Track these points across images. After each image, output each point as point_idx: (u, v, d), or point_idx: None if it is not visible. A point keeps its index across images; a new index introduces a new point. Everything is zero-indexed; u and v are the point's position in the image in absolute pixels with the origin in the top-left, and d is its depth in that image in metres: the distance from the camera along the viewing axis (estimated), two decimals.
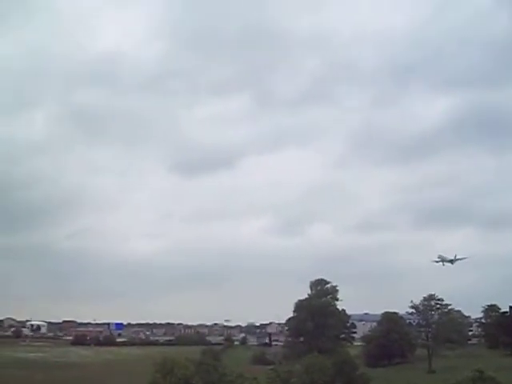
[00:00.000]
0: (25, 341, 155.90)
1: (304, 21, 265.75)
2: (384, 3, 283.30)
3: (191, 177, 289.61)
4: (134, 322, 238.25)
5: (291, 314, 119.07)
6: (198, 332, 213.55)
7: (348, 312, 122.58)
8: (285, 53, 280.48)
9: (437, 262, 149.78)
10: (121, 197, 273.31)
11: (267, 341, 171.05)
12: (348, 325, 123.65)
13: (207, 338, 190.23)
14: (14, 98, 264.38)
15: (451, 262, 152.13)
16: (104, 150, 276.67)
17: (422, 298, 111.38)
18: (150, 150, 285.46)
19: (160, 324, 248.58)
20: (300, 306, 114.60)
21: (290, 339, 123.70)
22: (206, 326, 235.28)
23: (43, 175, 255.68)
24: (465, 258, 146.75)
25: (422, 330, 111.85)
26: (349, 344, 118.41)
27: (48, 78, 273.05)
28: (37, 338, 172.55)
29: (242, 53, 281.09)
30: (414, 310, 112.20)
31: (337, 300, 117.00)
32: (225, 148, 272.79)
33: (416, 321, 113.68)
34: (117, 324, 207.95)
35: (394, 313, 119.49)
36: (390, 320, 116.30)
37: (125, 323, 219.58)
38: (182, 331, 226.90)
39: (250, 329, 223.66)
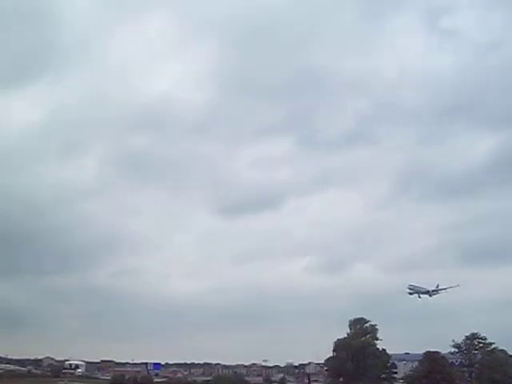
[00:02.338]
0: (63, 380, 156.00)
1: (348, 62, 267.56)
2: (427, 45, 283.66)
3: (234, 218, 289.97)
4: (171, 362, 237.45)
5: (330, 354, 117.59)
6: (235, 372, 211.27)
7: (388, 351, 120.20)
8: (329, 94, 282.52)
9: (410, 293, 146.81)
10: (164, 238, 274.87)
11: (306, 381, 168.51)
12: (388, 365, 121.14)
13: (245, 378, 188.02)
14: (65, 144, 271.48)
15: (428, 293, 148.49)
16: (149, 193, 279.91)
17: (464, 337, 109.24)
18: (194, 193, 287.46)
19: (198, 364, 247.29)
20: (339, 346, 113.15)
21: (329, 379, 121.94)
22: (244, 366, 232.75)
23: (91, 218, 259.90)
24: (445, 289, 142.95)
25: (465, 369, 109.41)
26: None
27: (99, 123, 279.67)
28: (75, 377, 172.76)
29: (287, 96, 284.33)
30: (456, 350, 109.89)
31: (377, 339, 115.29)
32: (268, 189, 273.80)
33: (459, 360, 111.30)
34: (155, 364, 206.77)
35: (436, 352, 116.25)
36: (431, 360, 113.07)
37: (162, 363, 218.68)
38: (220, 371, 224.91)
39: (289, 369, 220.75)
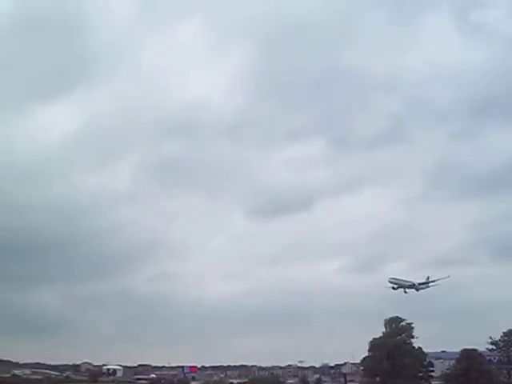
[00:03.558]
0: None
1: (379, 61, 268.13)
2: (459, 42, 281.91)
3: (268, 220, 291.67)
4: (207, 365, 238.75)
5: (366, 354, 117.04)
6: (271, 373, 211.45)
7: (425, 350, 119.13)
8: (360, 94, 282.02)
9: (394, 288, 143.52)
10: (199, 242, 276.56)
11: (342, 381, 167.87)
12: (425, 363, 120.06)
13: (281, 379, 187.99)
14: (101, 152, 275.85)
15: (414, 287, 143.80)
16: (183, 197, 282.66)
17: (501, 334, 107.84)
18: (229, 196, 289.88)
19: (234, 366, 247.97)
20: (375, 345, 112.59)
21: (365, 379, 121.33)
22: (280, 368, 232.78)
23: (127, 223, 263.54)
24: (434, 282, 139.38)
25: (504, 367, 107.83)
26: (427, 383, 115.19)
27: (134, 130, 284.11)
28: (112, 382, 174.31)
29: (319, 97, 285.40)
30: (493, 347, 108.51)
31: (412, 338, 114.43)
32: (301, 191, 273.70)
33: (497, 358, 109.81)
34: (191, 367, 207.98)
35: (473, 350, 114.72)
36: (469, 357, 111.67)
37: (199, 366, 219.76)
38: (256, 373, 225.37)
39: (325, 369, 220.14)
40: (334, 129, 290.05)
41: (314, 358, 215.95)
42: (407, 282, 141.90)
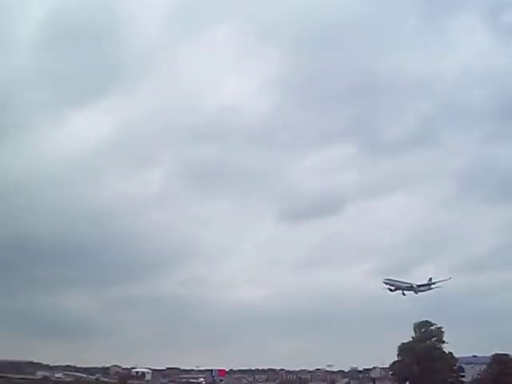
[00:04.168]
0: None
1: (410, 64, 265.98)
2: (490, 43, 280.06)
3: (298, 224, 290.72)
4: (236, 369, 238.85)
5: (395, 358, 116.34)
6: (300, 377, 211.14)
7: (455, 354, 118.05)
8: (391, 97, 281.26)
9: (391, 290, 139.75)
10: (229, 246, 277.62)
11: None
12: (455, 368, 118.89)
13: (309, 383, 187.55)
14: (133, 157, 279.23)
15: (412, 289, 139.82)
16: (214, 201, 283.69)
17: None
18: (260, 200, 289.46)
19: (262, 370, 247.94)
20: (404, 350, 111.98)
21: None
22: (309, 372, 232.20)
23: (159, 228, 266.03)
24: (434, 283, 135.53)
25: None
26: None
27: (166, 135, 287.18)
28: None
29: (349, 100, 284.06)
30: None
31: (443, 342, 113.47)
32: (331, 195, 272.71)
33: None
34: (219, 370, 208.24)
35: (505, 354, 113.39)
36: (500, 362, 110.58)
37: (227, 369, 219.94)
38: (284, 377, 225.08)
39: (353, 374, 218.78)
40: (365, 132, 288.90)
41: (342, 362, 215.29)
42: (404, 283, 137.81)
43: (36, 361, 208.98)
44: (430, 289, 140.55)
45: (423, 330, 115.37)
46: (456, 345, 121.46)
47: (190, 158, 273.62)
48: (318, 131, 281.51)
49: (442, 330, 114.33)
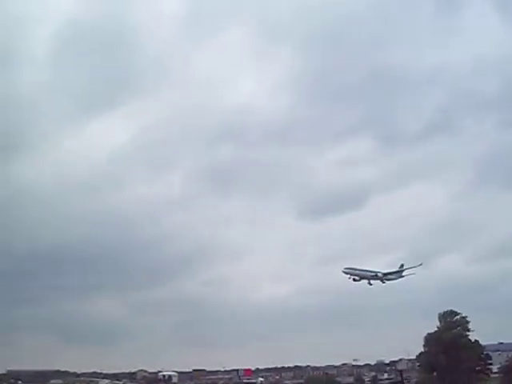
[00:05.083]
0: None
1: (424, 55, 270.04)
2: (503, 31, 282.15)
3: (319, 220, 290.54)
4: (262, 367, 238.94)
5: (421, 349, 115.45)
6: (326, 373, 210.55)
7: (481, 342, 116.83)
8: (406, 88, 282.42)
9: (355, 280, 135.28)
10: (251, 244, 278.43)
11: (399, 378, 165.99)
12: (482, 356, 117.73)
13: (336, 378, 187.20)
14: (153, 161, 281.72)
15: (377, 278, 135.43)
16: (234, 200, 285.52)
17: None
18: (279, 198, 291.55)
19: (288, 367, 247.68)
20: (430, 340, 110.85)
21: (422, 375, 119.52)
22: (335, 367, 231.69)
23: (181, 229, 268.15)
24: (403, 271, 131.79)
25: None
26: (486, 377, 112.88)
27: (184, 138, 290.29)
28: None
29: (365, 94, 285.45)
30: None
31: (468, 331, 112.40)
32: (351, 189, 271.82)
33: None
34: (246, 370, 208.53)
35: None
36: None
37: (253, 368, 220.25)
38: (311, 373, 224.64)
39: (380, 367, 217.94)
40: (381, 125, 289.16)
41: (368, 356, 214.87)
42: (368, 271, 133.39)
43: (63, 369, 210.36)
44: (401, 276, 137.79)
45: (448, 319, 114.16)
46: (482, 332, 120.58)
47: (208, 159, 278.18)
48: (335, 126, 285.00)
49: (467, 318, 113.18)
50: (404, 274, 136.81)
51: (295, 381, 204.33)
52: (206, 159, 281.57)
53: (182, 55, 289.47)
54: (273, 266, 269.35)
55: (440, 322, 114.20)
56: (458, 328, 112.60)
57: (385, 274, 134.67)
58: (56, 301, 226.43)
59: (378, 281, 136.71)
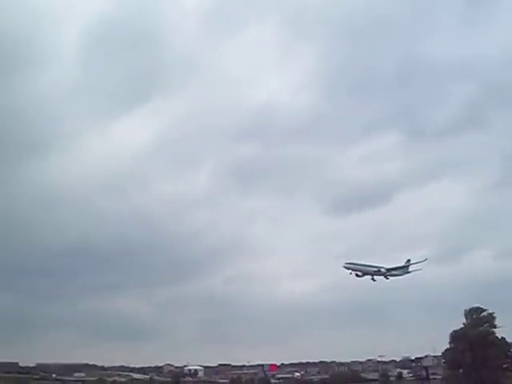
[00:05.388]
0: None
1: (453, 48, 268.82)
2: None
3: (344, 216, 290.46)
4: (287, 363, 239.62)
5: (447, 346, 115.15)
6: (351, 369, 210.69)
7: (508, 340, 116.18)
8: (434, 82, 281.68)
9: (358, 275, 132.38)
10: (276, 241, 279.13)
11: (424, 375, 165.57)
12: (509, 354, 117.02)
13: (361, 374, 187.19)
14: (178, 159, 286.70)
15: (380, 274, 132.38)
16: (259, 198, 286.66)
17: None
18: (305, 194, 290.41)
19: (313, 363, 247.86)
20: (456, 337, 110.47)
21: (448, 372, 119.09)
22: (360, 363, 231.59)
23: (207, 227, 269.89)
24: (408, 266, 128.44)
25: None
26: None
27: (208, 136, 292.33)
28: (195, 382, 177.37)
29: (391, 89, 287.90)
30: None
31: (495, 327, 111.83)
32: (377, 185, 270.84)
33: None
34: (271, 365, 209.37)
35: None
36: None
37: (278, 364, 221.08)
38: (336, 369, 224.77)
39: (405, 363, 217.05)
40: (409, 119, 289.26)
41: (394, 352, 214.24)
42: (370, 266, 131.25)
43: (91, 363, 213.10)
44: (408, 272, 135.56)
45: (474, 316, 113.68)
46: (509, 330, 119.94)
47: (233, 157, 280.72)
48: (361, 121, 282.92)
49: (494, 315, 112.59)
50: (410, 269, 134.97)
51: (320, 376, 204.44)
52: (231, 157, 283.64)
53: (208, 52, 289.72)
54: (297, 263, 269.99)
55: (466, 318, 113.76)
56: (485, 325, 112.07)
57: (388, 270, 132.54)
58: (83, 297, 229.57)
59: (382, 277, 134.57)
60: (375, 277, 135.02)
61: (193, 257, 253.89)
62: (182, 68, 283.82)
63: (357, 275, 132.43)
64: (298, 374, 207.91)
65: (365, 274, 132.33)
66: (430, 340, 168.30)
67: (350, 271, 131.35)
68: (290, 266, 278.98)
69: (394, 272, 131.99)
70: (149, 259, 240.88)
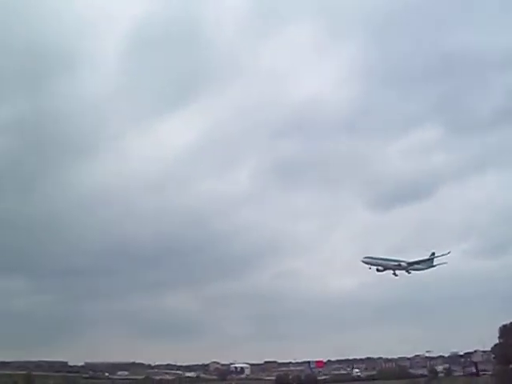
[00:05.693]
0: (230, 383, 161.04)
1: (494, 39, 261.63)
2: None
3: (389, 210, 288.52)
4: (333, 359, 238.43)
5: (496, 340, 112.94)
6: (399, 365, 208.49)
7: None
8: (476, 74, 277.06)
9: (378, 270, 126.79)
10: (320, 237, 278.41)
11: (474, 370, 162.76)
12: None
13: (409, 370, 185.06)
14: (220, 158, 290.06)
15: (401, 268, 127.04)
16: (302, 193, 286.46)
17: None
18: (348, 189, 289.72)
19: (360, 359, 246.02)
20: (505, 331, 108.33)
21: (498, 367, 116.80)
22: (408, 359, 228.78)
23: (251, 225, 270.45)
24: (432, 259, 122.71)
25: None
26: None
27: (253, 132, 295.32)
28: (241, 379, 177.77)
29: (433, 81, 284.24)
30: None
31: None
32: (421, 178, 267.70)
33: None
34: (317, 362, 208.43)
35: None
36: None
37: (324, 360, 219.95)
38: (383, 365, 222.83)
39: (454, 358, 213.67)
40: (451, 111, 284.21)
41: (442, 347, 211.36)
42: (390, 260, 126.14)
43: (138, 361, 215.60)
44: (432, 266, 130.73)
45: None
46: None
47: (275, 153, 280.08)
48: (403, 115, 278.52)
49: None
50: (435, 263, 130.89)
51: (367, 373, 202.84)
52: (274, 153, 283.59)
53: (250, 49, 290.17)
54: (342, 258, 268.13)
55: None
56: None
57: (410, 264, 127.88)
58: (130, 296, 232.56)
59: (403, 271, 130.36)
60: (397, 271, 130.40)
61: (238, 254, 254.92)
62: (224, 67, 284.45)
63: (377, 270, 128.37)
64: (357, 370, 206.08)
65: (385, 268, 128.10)
66: (479, 335, 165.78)
67: (369, 266, 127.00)
68: (334, 262, 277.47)
69: (416, 266, 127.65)
70: (195, 257, 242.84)
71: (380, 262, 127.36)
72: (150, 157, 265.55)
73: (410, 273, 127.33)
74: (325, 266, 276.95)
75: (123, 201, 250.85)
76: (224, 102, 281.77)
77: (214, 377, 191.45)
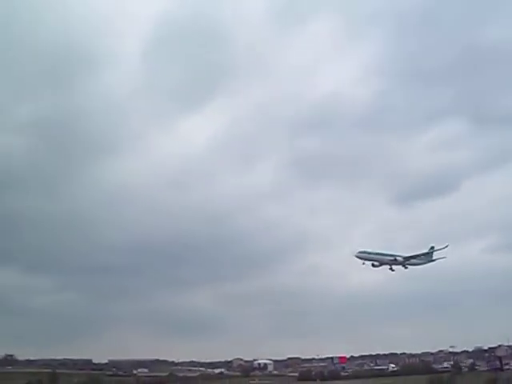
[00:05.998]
0: (254, 379, 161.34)
1: None
2: None
3: (412, 205, 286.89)
4: (356, 355, 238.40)
5: None
6: (422, 360, 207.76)
7: None
8: (499, 69, 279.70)
9: (374, 265, 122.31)
10: (343, 232, 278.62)
11: (498, 365, 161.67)
12: None
13: (433, 365, 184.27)
14: (242, 154, 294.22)
15: (396, 262, 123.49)
16: (325, 189, 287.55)
17: None
18: (370, 185, 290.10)
19: (383, 355, 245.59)
20: None
21: None
22: (431, 354, 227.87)
23: (273, 221, 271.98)
24: (429, 253, 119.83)
25: None
26: None
27: (274, 128, 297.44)
28: (264, 376, 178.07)
29: (456, 75, 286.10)
30: None
31: None
32: (445, 172, 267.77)
33: None
34: (340, 357, 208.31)
35: None
36: None
37: (348, 356, 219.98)
38: (407, 360, 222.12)
39: (478, 353, 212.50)
40: (474, 106, 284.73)
41: (466, 342, 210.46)
42: (385, 255, 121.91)
43: (161, 358, 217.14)
44: (432, 260, 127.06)
45: None
46: None
47: (297, 150, 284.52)
48: (426, 110, 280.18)
49: None
50: (434, 257, 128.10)
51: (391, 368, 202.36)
52: (296, 149, 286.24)
53: (271, 46, 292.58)
54: None
55: None
56: None
57: (406, 258, 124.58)
58: (154, 294, 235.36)
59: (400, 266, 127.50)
60: (393, 266, 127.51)
61: (260, 250, 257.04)
62: (246, 63, 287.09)
63: (373, 265, 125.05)
64: (393, 365, 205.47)
65: (381, 263, 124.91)
66: (504, 329, 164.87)
67: (363, 262, 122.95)
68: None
69: (413, 261, 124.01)
70: (218, 254, 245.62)
71: (375, 256, 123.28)
72: (172, 154, 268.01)
73: (407, 268, 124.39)
74: (348, 262, 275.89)
75: (146, 198, 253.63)
76: (244, 99, 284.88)
77: (238, 373, 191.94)
